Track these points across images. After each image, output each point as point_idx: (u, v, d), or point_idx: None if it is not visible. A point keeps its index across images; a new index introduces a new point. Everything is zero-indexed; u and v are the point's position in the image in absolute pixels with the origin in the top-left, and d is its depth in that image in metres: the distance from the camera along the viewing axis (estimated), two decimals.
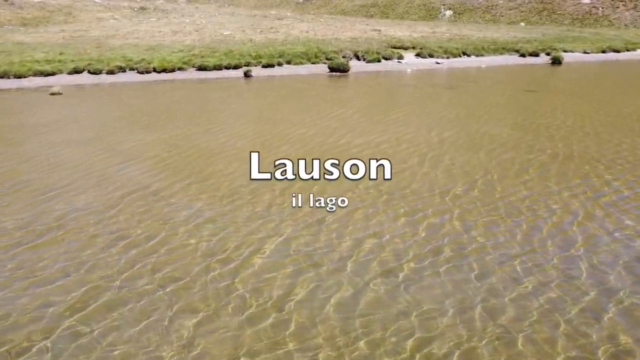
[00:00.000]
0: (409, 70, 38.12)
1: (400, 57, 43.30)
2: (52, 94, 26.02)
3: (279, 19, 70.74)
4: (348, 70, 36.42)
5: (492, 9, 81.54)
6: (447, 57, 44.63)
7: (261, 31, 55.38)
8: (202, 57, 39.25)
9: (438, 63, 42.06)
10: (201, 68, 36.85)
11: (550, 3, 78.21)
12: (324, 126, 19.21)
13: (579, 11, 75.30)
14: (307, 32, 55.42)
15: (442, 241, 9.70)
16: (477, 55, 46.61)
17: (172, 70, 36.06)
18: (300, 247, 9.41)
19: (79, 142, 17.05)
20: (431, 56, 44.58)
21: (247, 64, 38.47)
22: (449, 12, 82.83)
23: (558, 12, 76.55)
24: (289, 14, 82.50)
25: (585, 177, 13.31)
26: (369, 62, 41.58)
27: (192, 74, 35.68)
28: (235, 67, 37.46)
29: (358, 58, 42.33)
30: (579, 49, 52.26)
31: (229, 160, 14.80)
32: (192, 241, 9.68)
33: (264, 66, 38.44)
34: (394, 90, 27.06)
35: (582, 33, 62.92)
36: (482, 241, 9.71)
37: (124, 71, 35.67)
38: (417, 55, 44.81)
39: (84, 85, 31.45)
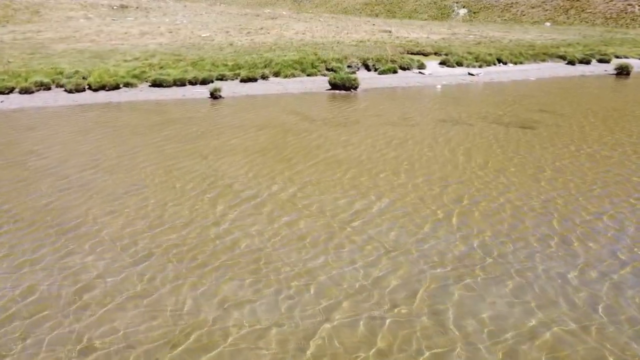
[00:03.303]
0: (438, 86, 27.38)
1: (422, 67, 32.63)
2: None
3: (272, 19, 59.98)
4: (356, 88, 25.74)
5: (511, 7, 70.68)
6: (480, 66, 33.97)
7: (248, 33, 44.67)
8: (161, 67, 28.58)
9: (471, 74, 31.39)
10: (156, 84, 26.18)
11: (578, 0, 67.35)
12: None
13: (611, 9, 64.46)
14: (303, 33, 44.68)
15: None
16: (516, 63, 35.90)
17: (115, 87, 25.38)
18: None
19: None
20: (459, 64, 33.91)
21: (221, 77, 27.80)
22: (463, 11, 72.00)
23: (588, 11, 65.72)
24: (284, 12, 71.64)
25: None
26: (381, 73, 30.92)
27: (141, 93, 25.01)
28: (204, 82, 26.80)
29: (368, 68, 31.66)
30: (632, 54, 41.51)
31: None
32: None
33: (244, 80, 27.78)
34: (428, 137, 16.05)
35: (626, 35, 52.15)
36: None
37: (48, 89, 24.98)
38: (442, 63, 34.11)
39: None
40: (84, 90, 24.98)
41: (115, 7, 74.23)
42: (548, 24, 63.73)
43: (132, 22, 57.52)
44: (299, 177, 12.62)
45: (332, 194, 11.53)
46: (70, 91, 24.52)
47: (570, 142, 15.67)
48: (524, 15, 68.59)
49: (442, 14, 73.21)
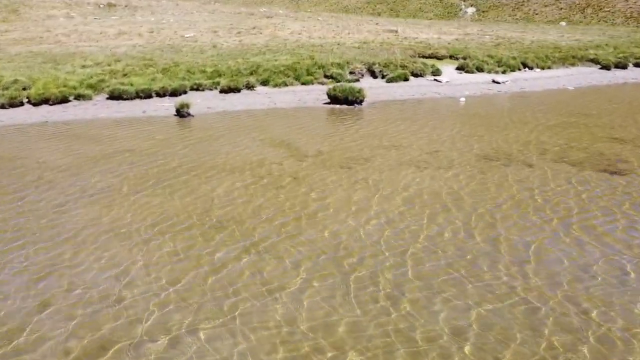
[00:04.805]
0: (461, 98, 22.02)
1: (437, 73, 27.31)
2: None
3: (267, 17, 54.64)
4: (361, 102, 20.42)
5: (523, 5, 65.29)
6: (504, 72, 28.63)
7: (238, 33, 39.33)
8: (125, 75, 23.26)
9: (497, 82, 26.07)
10: (114, 96, 20.91)
11: None
12: None
13: (632, 8, 59.06)
14: (299, 33, 39.34)
15: None
16: (543, 68, 30.57)
17: (63, 101, 20.12)
18: None
19: None
20: (480, 70, 28.55)
21: (197, 87, 22.53)
22: (471, 10, 66.62)
23: (606, 9, 60.32)
24: (281, 11, 66.30)
25: None
26: (390, 80, 25.61)
27: (94, 108, 19.72)
28: (174, 94, 21.53)
29: (373, 74, 26.35)
30: None
31: None
32: None
33: (224, 90, 22.50)
34: (458, 190, 10.49)
35: None
36: None
37: None
38: (460, 68, 28.75)
39: None
40: (21, 104, 19.69)
41: (102, 6, 68.75)
42: (563, 23, 58.36)
43: (114, 21, 52.15)
44: (213, 299, 6.85)
45: None
46: (2, 106, 19.22)
47: None
48: (536, 14, 63.21)
49: (448, 12, 67.85)
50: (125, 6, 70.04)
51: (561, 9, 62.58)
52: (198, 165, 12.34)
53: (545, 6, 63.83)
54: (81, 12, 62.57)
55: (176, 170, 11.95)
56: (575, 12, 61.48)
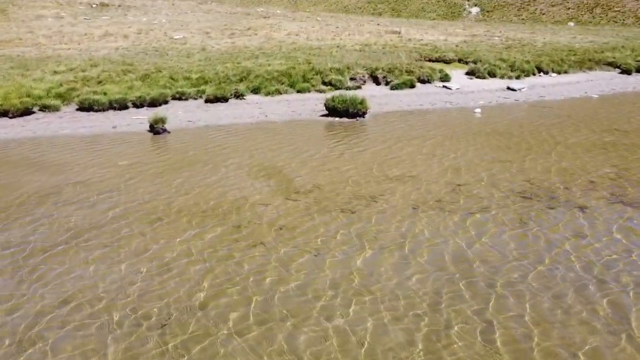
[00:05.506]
0: (477, 109, 19.40)
1: (445, 78, 24.69)
2: None
3: (264, 17, 52.01)
4: (364, 114, 17.81)
5: (529, 5, 62.63)
6: (518, 77, 26.03)
7: (232, 34, 36.71)
8: (100, 82, 20.66)
9: (512, 89, 23.47)
10: (84, 107, 18.32)
11: None
12: None
13: None
14: (296, 35, 36.71)
15: None
16: (559, 72, 27.98)
17: (26, 113, 17.57)
18: None
19: None
20: (492, 75, 25.94)
21: (179, 96, 19.96)
22: (475, 10, 63.97)
23: (615, 9, 57.67)
24: (278, 11, 63.64)
25: None
26: (395, 87, 23.03)
27: (59, 121, 17.13)
28: (153, 104, 18.98)
29: (376, 80, 23.77)
30: None
31: None
32: None
33: (209, 100, 19.90)
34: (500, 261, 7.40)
35: None
36: None
37: None
38: (470, 73, 26.14)
39: None
40: None
41: (94, 5, 66.02)
42: (572, 23, 55.72)
43: (104, 21, 49.49)
44: None
45: None
46: None
47: None
48: (543, 14, 60.55)
49: (452, 12, 65.17)
50: (119, 6, 67.29)
51: (569, 8, 59.92)
52: (146, 208, 9.54)
53: (552, 6, 61.16)
54: (72, 12, 59.85)
55: (113, 217, 9.17)
56: (583, 12, 58.82)
